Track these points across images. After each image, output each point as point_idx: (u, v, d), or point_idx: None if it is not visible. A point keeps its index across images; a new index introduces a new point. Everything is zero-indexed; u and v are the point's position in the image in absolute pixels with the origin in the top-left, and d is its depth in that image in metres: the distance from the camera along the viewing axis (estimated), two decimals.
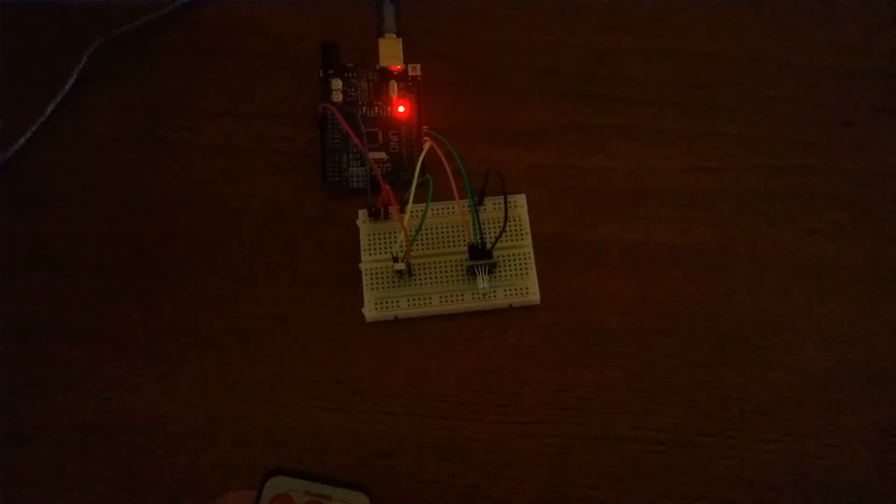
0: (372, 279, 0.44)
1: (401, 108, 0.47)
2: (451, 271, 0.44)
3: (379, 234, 0.45)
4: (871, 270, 0.45)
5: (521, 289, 0.44)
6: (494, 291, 0.44)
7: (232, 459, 0.41)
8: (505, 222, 0.44)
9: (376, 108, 0.47)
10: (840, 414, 0.42)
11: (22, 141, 0.47)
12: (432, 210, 0.45)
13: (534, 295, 0.44)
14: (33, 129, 0.47)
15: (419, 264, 0.44)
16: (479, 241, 0.43)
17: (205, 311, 0.44)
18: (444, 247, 0.45)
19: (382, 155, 0.47)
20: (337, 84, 0.47)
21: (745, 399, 0.42)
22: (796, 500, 0.41)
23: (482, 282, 0.44)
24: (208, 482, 0.41)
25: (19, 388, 0.43)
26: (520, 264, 0.44)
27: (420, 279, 0.44)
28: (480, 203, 0.45)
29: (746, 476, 0.41)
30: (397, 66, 0.47)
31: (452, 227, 0.45)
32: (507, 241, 0.44)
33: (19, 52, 0.49)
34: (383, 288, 0.44)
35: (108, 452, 0.42)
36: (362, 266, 0.44)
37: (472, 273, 0.44)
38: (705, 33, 0.50)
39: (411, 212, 0.43)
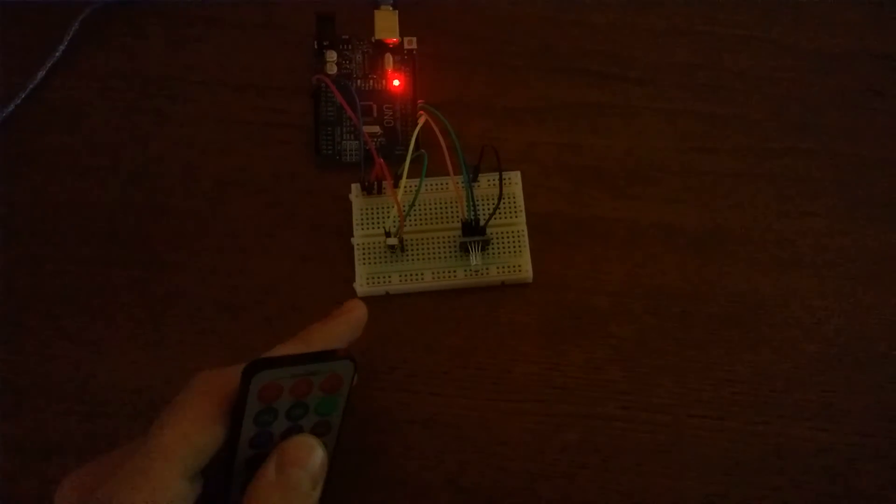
0: (364, 254, 0.44)
1: (396, 82, 0.47)
2: (444, 247, 0.44)
3: (372, 208, 0.44)
4: (864, 255, 0.45)
5: (513, 266, 0.44)
6: (487, 268, 0.44)
7: None
8: (499, 199, 0.43)
9: (371, 81, 0.47)
10: (830, 397, 0.42)
11: (11, 107, 0.46)
12: (426, 185, 0.44)
13: (526, 273, 0.44)
14: (23, 95, 0.46)
15: (412, 240, 0.44)
16: (472, 217, 0.43)
17: (195, 283, 0.44)
18: (437, 223, 0.44)
19: (377, 129, 0.46)
20: (332, 56, 0.47)
21: (736, 381, 0.43)
22: (785, 481, 0.41)
23: (475, 258, 0.43)
24: None
25: (6, 356, 0.43)
26: (513, 242, 0.44)
27: (412, 255, 0.44)
28: (475, 179, 0.45)
29: (735, 457, 0.41)
30: (393, 39, 0.47)
31: (446, 202, 0.44)
32: (500, 218, 0.44)
33: (10, 16, 0.48)
34: (375, 263, 0.44)
35: (96, 421, 0.42)
36: (354, 240, 0.44)
37: (464, 250, 0.43)
38: (705, 12, 0.49)
39: (405, 187, 0.42)
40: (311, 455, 0.32)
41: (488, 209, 0.44)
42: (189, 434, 0.30)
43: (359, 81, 0.47)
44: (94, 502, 0.29)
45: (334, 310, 0.37)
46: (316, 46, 0.47)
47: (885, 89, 0.48)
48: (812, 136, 0.47)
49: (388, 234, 0.43)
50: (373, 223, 0.44)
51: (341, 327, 0.37)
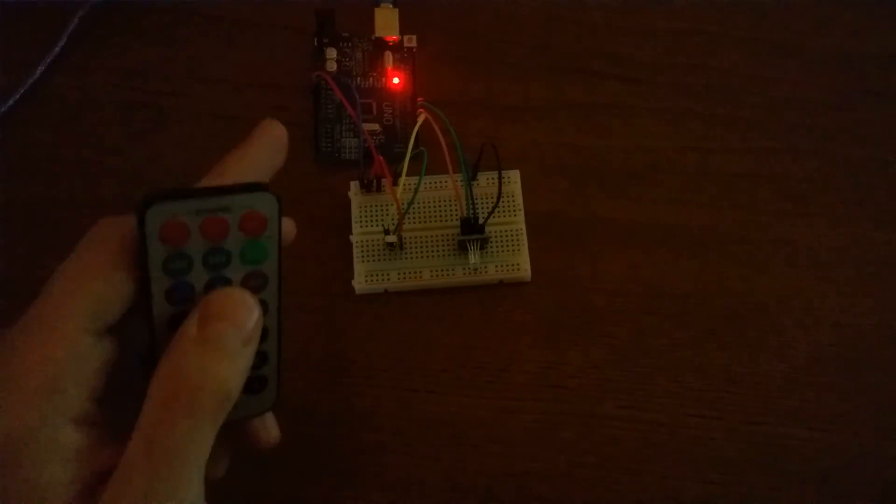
0: (363, 251, 0.44)
1: (395, 80, 0.47)
2: (443, 245, 0.44)
3: (371, 206, 0.44)
4: (862, 256, 0.45)
5: (512, 265, 0.44)
6: (486, 267, 0.44)
7: None
8: (498, 198, 0.43)
9: (371, 78, 0.47)
10: (828, 397, 0.42)
11: (10, 103, 0.46)
12: (425, 183, 0.44)
13: (525, 271, 0.44)
14: (22, 91, 0.46)
15: (411, 238, 0.44)
16: (471, 215, 0.43)
17: None
18: (436, 220, 0.44)
19: (376, 126, 0.46)
20: (331, 53, 0.47)
21: (732, 380, 0.43)
22: (780, 480, 0.41)
23: (473, 257, 0.43)
24: None
25: None
26: (512, 240, 0.44)
27: (411, 253, 0.44)
28: (474, 178, 0.45)
29: (731, 456, 0.41)
30: (393, 37, 0.47)
31: (445, 200, 0.44)
32: (499, 216, 0.44)
33: (8, 13, 0.48)
34: (374, 261, 0.44)
35: None
36: (353, 238, 0.44)
37: (463, 248, 0.43)
38: (703, 13, 0.49)
39: (404, 184, 0.42)
40: (241, 308, 0.27)
41: (487, 208, 0.44)
42: (85, 282, 0.27)
43: (358, 79, 0.47)
44: None
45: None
46: (316, 44, 0.47)
47: (885, 89, 0.48)
48: (811, 137, 0.47)
49: (387, 232, 0.43)
50: (372, 221, 0.44)
51: (257, 151, 0.31)
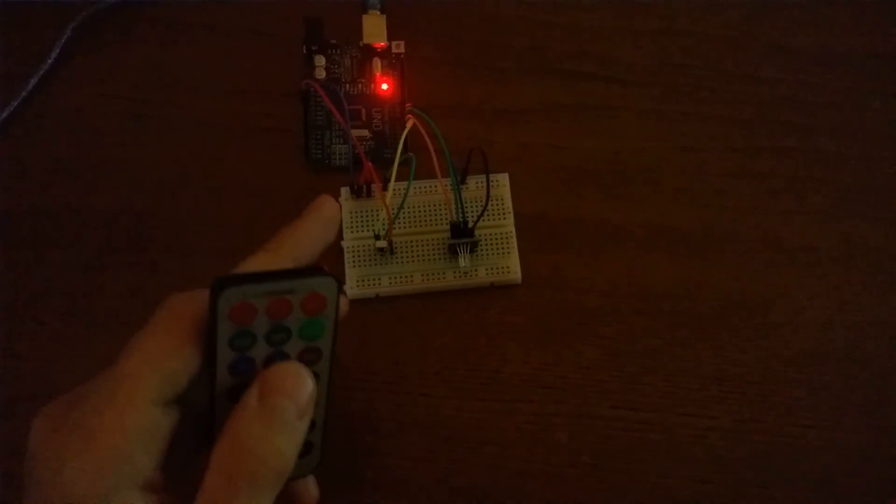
0: (354, 257, 0.44)
1: (384, 86, 0.47)
2: (433, 250, 0.44)
3: (361, 211, 0.45)
4: (850, 253, 0.45)
5: (502, 267, 0.44)
6: (476, 270, 0.44)
7: None
8: (487, 201, 0.44)
9: (359, 85, 0.47)
10: (817, 395, 0.43)
11: (5, 114, 0.46)
12: (415, 188, 0.45)
13: (515, 274, 0.44)
14: (15, 102, 0.47)
15: (401, 242, 0.44)
16: (461, 219, 0.43)
17: (187, 288, 0.44)
18: (426, 225, 0.44)
19: (365, 132, 0.46)
20: (320, 61, 0.47)
21: (724, 379, 0.43)
22: (773, 479, 0.41)
23: (464, 260, 0.44)
24: None
25: (1, 360, 0.43)
26: (502, 243, 0.44)
27: (402, 257, 0.44)
28: (463, 182, 0.45)
29: (723, 455, 0.42)
30: (381, 43, 0.47)
31: (435, 205, 0.45)
32: (489, 219, 0.44)
33: (2, 22, 0.49)
34: (365, 265, 0.44)
35: None
36: (344, 243, 0.44)
37: (453, 251, 0.44)
38: (691, 13, 0.49)
39: (394, 190, 0.43)
40: (297, 382, 0.29)
41: (477, 211, 0.44)
42: (157, 357, 0.28)
43: (347, 85, 0.47)
44: (64, 429, 0.28)
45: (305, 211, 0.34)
46: (305, 51, 0.47)
47: (876, 88, 0.48)
48: (798, 136, 0.47)
49: (377, 237, 0.43)
50: (362, 226, 0.44)
51: (312, 228, 0.33)
